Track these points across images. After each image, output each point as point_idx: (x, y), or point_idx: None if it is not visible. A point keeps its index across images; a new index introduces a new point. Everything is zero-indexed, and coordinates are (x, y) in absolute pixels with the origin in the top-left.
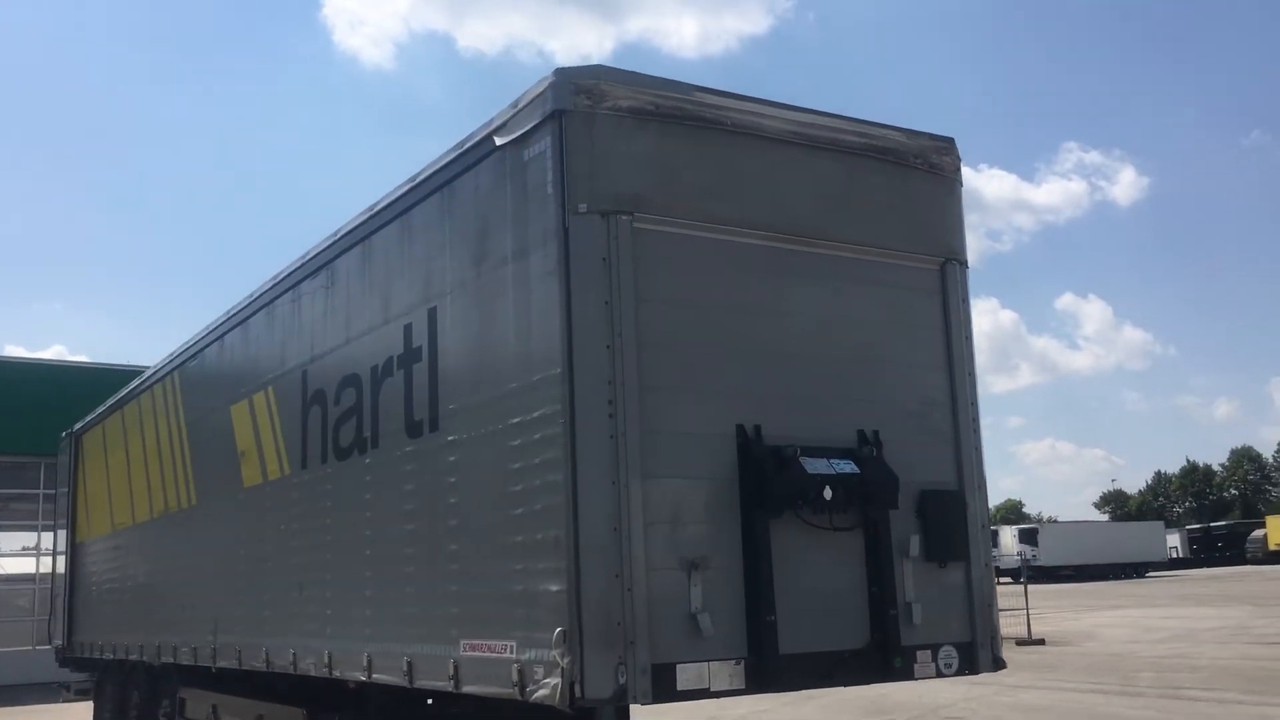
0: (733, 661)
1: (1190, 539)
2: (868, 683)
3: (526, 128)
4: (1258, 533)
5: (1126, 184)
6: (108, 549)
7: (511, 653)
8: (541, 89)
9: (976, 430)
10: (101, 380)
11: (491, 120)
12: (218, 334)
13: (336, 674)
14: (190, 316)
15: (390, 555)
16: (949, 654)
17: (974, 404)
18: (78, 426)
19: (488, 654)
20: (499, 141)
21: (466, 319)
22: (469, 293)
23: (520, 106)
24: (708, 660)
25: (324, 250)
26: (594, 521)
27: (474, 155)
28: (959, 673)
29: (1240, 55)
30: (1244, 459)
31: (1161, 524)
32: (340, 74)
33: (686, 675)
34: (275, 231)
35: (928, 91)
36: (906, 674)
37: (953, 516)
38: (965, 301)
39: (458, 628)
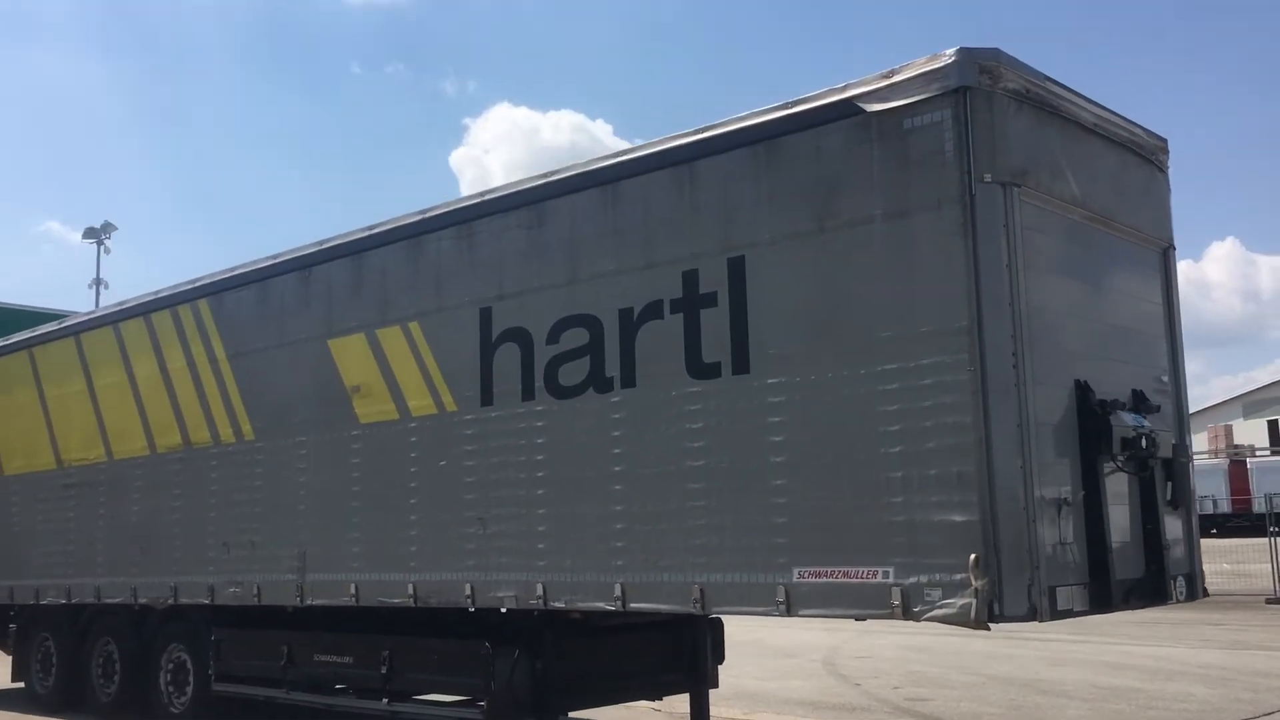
0: (1082, 586)
1: None
2: (1146, 606)
3: (912, 99)
4: None
5: None
6: (51, 487)
7: (887, 578)
8: (941, 65)
9: (1185, 393)
10: None
11: (843, 86)
12: (294, 265)
13: (558, 604)
14: None
15: (661, 490)
16: (1181, 583)
17: (1184, 370)
18: None
19: (842, 579)
20: (870, 108)
21: (798, 271)
22: (805, 246)
23: (901, 78)
24: (1072, 584)
25: (527, 190)
26: (1006, 461)
27: (816, 117)
28: (1187, 599)
29: None
30: None
31: None
32: None
33: (1063, 597)
34: None
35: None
36: (1168, 599)
37: (1183, 467)
38: (1177, 281)
39: (788, 555)
